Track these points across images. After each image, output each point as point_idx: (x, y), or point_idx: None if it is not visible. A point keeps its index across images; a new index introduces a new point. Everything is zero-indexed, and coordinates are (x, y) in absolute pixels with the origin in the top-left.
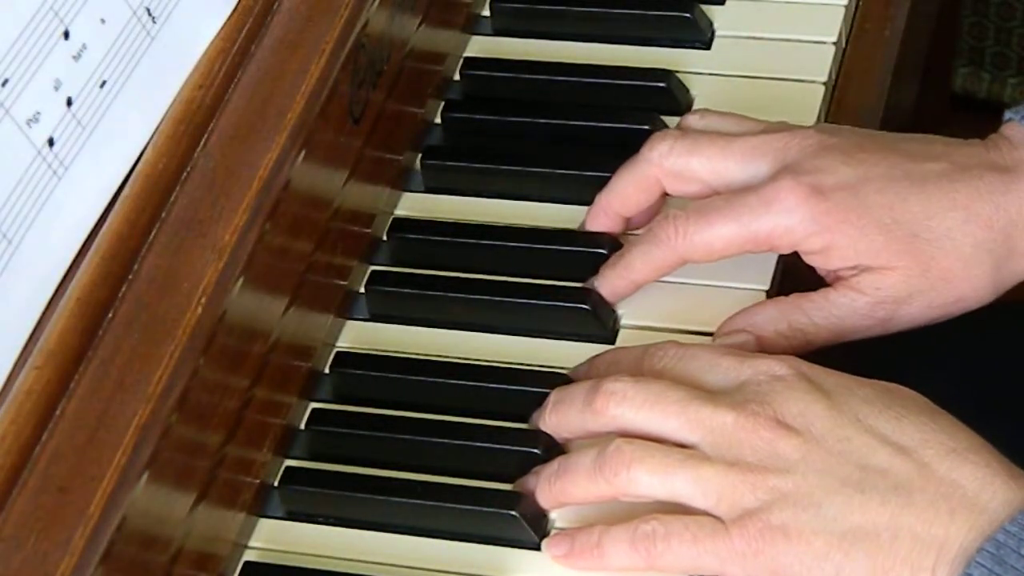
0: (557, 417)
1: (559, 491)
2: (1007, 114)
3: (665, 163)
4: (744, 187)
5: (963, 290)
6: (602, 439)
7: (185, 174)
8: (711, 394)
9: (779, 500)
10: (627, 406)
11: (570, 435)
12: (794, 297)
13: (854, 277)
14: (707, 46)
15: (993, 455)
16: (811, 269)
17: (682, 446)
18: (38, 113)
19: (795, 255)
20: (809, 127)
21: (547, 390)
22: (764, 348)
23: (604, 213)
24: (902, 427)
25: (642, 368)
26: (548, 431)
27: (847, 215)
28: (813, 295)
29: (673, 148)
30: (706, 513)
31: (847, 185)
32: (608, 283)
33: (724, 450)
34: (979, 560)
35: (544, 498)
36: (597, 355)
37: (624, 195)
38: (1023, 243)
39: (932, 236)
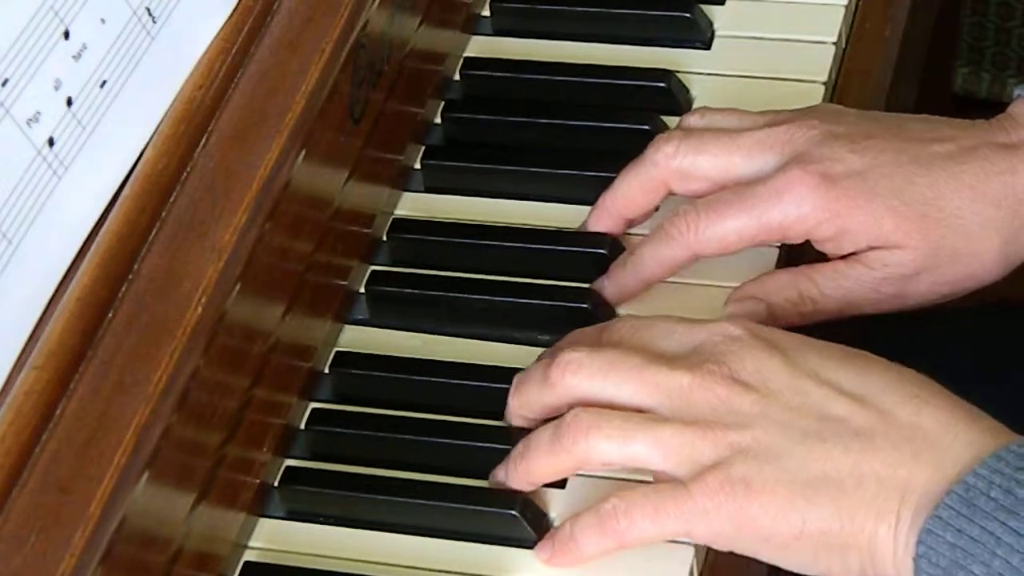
0: (518, 399)
1: (523, 470)
2: (1016, 90)
3: (672, 164)
4: (753, 181)
5: (972, 267)
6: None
7: (185, 174)
8: (667, 358)
9: (739, 454)
10: (583, 375)
11: (532, 415)
12: (804, 267)
13: (863, 253)
14: (707, 46)
15: (954, 400)
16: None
17: (640, 412)
18: (38, 113)
19: (795, 255)
20: (812, 114)
21: None
22: (773, 316)
23: (607, 215)
24: (860, 378)
25: (601, 341)
26: (511, 416)
27: (857, 200)
28: (822, 266)
29: (679, 148)
30: (667, 478)
31: (855, 172)
32: (619, 281)
33: (681, 410)
34: (948, 502)
35: (511, 482)
36: (558, 342)
37: (629, 197)
38: None
39: (941, 216)
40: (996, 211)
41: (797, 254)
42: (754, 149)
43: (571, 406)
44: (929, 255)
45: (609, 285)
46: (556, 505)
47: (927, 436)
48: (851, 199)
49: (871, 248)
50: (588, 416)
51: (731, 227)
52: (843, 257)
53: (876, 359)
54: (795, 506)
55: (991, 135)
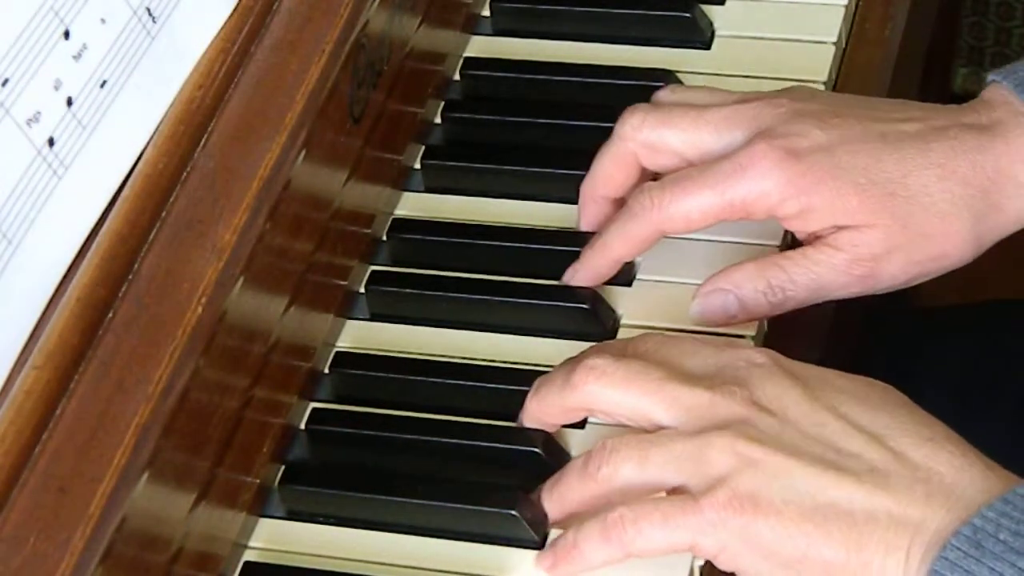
0: (537, 401)
1: (557, 497)
2: (991, 76)
3: (639, 136)
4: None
5: (943, 246)
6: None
7: (185, 174)
8: (689, 376)
9: (749, 467)
10: (605, 382)
11: (550, 418)
12: (772, 255)
13: (832, 235)
14: (707, 46)
15: (969, 447)
16: None
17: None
18: (38, 113)
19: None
20: (783, 94)
21: None
22: (744, 307)
23: (591, 200)
24: (878, 417)
25: (626, 353)
26: (529, 419)
27: (822, 176)
28: (791, 253)
29: (645, 120)
30: (681, 490)
31: (821, 147)
32: (589, 264)
33: (698, 426)
34: (955, 543)
35: (549, 509)
36: (582, 351)
37: (605, 175)
38: (1001, 199)
39: (908, 194)
40: (965, 189)
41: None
42: (721, 125)
43: (589, 412)
44: (897, 233)
45: (581, 268)
46: None
47: (942, 479)
48: (815, 175)
49: (838, 228)
50: (612, 442)
51: (695, 203)
52: (812, 242)
53: (894, 396)
54: (802, 529)
55: (962, 116)
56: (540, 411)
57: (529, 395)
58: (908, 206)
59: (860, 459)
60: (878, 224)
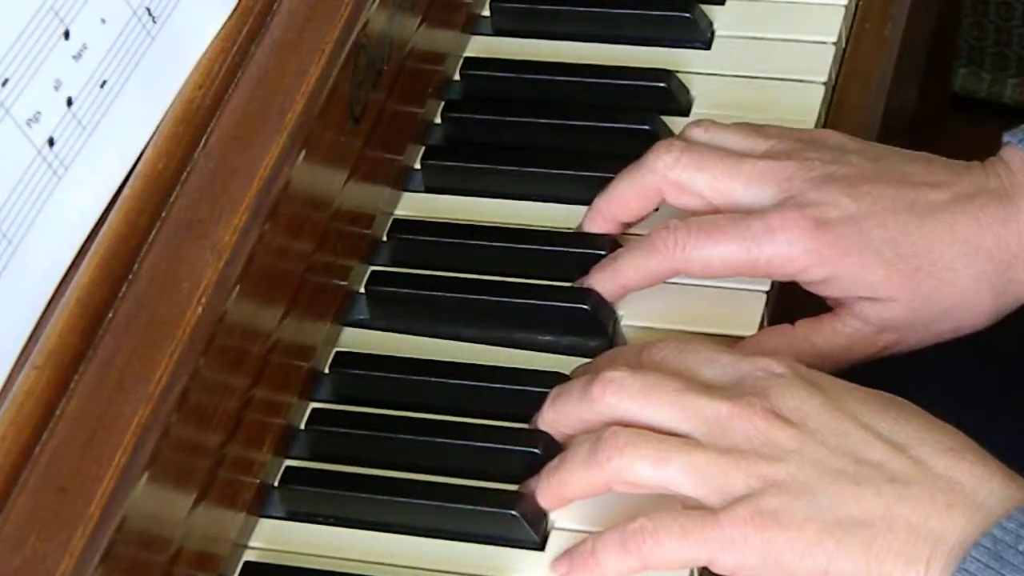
0: (554, 411)
1: (557, 482)
2: (1005, 136)
3: (670, 175)
4: (746, 210)
5: (962, 321)
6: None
7: (185, 174)
8: (707, 387)
9: (771, 487)
10: (623, 394)
11: (567, 428)
12: (800, 328)
13: (857, 305)
14: (707, 46)
15: (989, 457)
16: None
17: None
18: (38, 113)
19: None
20: (813, 149)
21: (547, 390)
22: None
23: (602, 217)
24: (899, 426)
25: (641, 361)
26: (546, 427)
27: (849, 249)
28: (818, 326)
29: (679, 161)
30: (697, 504)
31: (850, 218)
32: (598, 286)
33: (718, 438)
34: (975, 555)
35: (543, 493)
36: (597, 358)
37: (624, 201)
38: (1022, 272)
39: (933, 270)
40: (988, 264)
41: None
42: (754, 179)
43: (608, 424)
44: (920, 309)
45: (587, 286)
46: None
47: (962, 489)
48: (843, 246)
49: (863, 299)
50: (627, 434)
51: (718, 253)
52: (836, 309)
53: (913, 408)
54: (823, 545)
55: (985, 183)
56: (557, 421)
57: (546, 405)
58: (933, 282)
59: (881, 469)
60: (901, 298)
